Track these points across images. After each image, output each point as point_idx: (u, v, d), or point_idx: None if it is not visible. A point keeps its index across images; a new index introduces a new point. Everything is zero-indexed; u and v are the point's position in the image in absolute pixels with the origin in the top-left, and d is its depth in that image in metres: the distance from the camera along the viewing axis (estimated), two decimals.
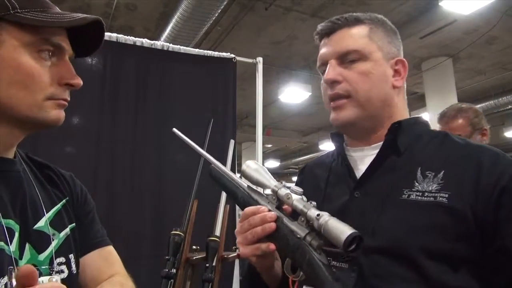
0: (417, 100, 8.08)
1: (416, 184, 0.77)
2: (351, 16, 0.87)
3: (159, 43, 2.40)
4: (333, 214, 0.72)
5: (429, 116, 6.90)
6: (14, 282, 0.51)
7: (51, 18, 0.67)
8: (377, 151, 0.84)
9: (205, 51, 2.55)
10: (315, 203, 0.70)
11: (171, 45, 2.43)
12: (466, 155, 0.77)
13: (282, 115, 9.71)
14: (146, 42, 2.34)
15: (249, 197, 0.79)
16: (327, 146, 11.92)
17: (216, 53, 2.55)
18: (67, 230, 0.78)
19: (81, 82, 0.72)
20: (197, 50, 2.55)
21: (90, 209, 0.88)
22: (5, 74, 0.64)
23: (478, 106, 8.16)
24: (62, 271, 0.73)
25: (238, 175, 0.85)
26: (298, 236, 0.70)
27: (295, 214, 0.73)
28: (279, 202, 0.75)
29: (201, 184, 1.60)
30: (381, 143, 0.84)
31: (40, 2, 0.69)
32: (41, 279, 0.65)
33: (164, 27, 5.04)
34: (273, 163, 15.83)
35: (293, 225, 0.71)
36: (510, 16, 5.29)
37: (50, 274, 0.70)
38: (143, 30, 5.75)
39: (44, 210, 0.74)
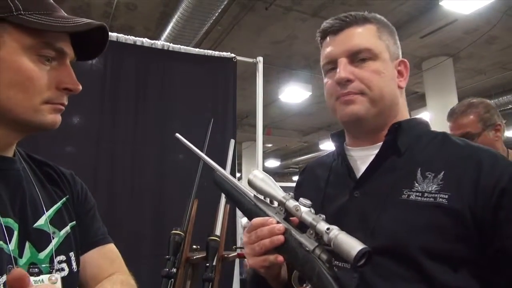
0: (417, 99, 8.09)
1: (416, 184, 0.77)
2: (358, 15, 0.86)
3: (159, 43, 2.40)
4: (333, 214, 0.73)
5: (429, 116, 6.90)
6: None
7: (55, 22, 0.66)
8: (377, 151, 0.84)
9: (205, 50, 2.55)
10: (324, 216, 0.70)
11: (171, 44, 2.43)
12: (465, 156, 0.77)
13: (282, 115, 9.71)
14: (146, 41, 2.34)
15: (256, 207, 0.78)
16: (327, 145, 11.92)
17: (216, 53, 2.56)
18: (68, 228, 0.78)
19: (80, 88, 0.72)
20: (197, 49, 2.55)
21: (90, 207, 0.88)
22: (5, 76, 0.64)
23: None
24: (62, 269, 0.73)
25: (238, 175, 0.85)
26: (307, 249, 0.69)
27: (302, 226, 0.72)
28: (286, 213, 0.74)
29: (201, 184, 1.61)
30: (381, 143, 0.84)
31: (45, 5, 0.68)
32: (41, 277, 0.66)
33: (164, 26, 5.04)
34: (274, 163, 15.84)
35: (302, 238, 0.71)
36: (510, 16, 5.29)
37: (50, 273, 0.70)
38: (143, 29, 5.75)
39: (44, 209, 0.74)
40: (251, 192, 0.81)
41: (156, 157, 2.27)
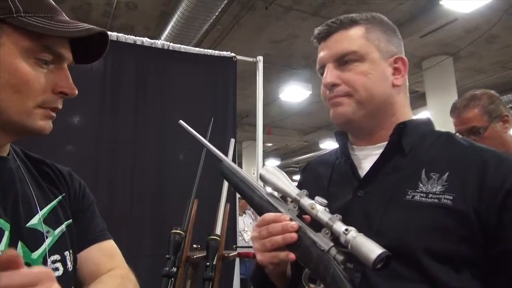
0: (417, 99, 8.08)
1: (421, 185, 0.77)
2: (346, 18, 0.87)
3: (159, 42, 2.40)
4: (336, 213, 0.72)
5: (429, 115, 6.88)
6: None
7: (55, 26, 0.66)
8: (381, 150, 0.84)
9: (206, 50, 2.55)
10: (340, 216, 0.69)
11: (171, 44, 2.43)
12: (470, 157, 0.77)
13: (282, 114, 9.71)
14: (146, 41, 2.34)
15: (267, 203, 0.77)
16: (328, 144, 11.91)
17: (216, 52, 2.55)
18: (63, 226, 0.77)
19: (76, 92, 0.71)
20: (197, 49, 2.55)
21: (89, 204, 0.87)
22: (0, 78, 0.63)
23: None
24: (57, 269, 0.72)
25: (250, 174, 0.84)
26: (322, 248, 0.68)
27: (315, 224, 0.71)
28: (300, 211, 0.73)
29: (202, 183, 1.61)
30: (385, 143, 0.84)
31: (46, 8, 0.68)
32: None
33: (164, 26, 5.04)
34: (274, 162, 15.83)
35: (316, 237, 0.70)
36: (511, 15, 5.28)
37: None
38: (143, 29, 5.75)
39: (38, 208, 0.73)
40: (261, 186, 0.80)
41: (156, 156, 2.28)
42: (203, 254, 1.49)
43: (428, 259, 0.71)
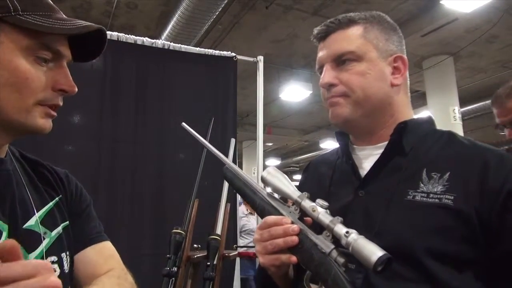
0: (418, 98, 8.07)
1: (421, 185, 0.77)
2: (344, 18, 0.87)
3: (160, 42, 2.40)
4: (337, 212, 0.72)
5: (430, 114, 6.88)
6: None
7: (53, 24, 0.66)
8: (381, 150, 0.84)
9: (206, 49, 2.55)
10: (341, 218, 0.69)
11: (171, 43, 2.43)
12: (471, 157, 0.77)
13: (282, 114, 9.71)
14: (146, 41, 2.34)
15: (269, 205, 0.77)
16: (328, 144, 11.91)
17: (216, 52, 2.56)
18: (59, 228, 0.77)
19: (76, 89, 0.71)
20: (197, 48, 2.55)
21: (86, 205, 0.87)
22: (0, 76, 0.63)
23: (479, 104, 8.24)
24: (54, 270, 0.72)
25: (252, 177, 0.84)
26: (323, 251, 0.69)
27: (316, 226, 0.72)
28: (301, 213, 0.73)
29: (202, 183, 1.61)
30: (385, 142, 0.84)
31: (44, 6, 0.68)
32: None
33: (164, 25, 5.04)
34: (274, 162, 15.83)
35: (317, 240, 0.70)
36: (511, 15, 5.28)
37: None
38: (143, 28, 5.75)
39: (35, 209, 0.73)
40: (262, 189, 0.81)
41: (156, 156, 2.28)
42: (204, 254, 1.49)
43: (429, 260, 0.71)
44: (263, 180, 0.78)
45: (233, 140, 1.64)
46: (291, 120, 10.50)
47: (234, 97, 2.53)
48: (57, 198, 0.80)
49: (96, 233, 0.87)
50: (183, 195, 1.66)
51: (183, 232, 1.42)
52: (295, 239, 0.71)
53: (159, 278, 1.36)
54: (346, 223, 0.69)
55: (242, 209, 4.67)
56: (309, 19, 5.53)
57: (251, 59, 2.70)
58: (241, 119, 9.55)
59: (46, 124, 0.69)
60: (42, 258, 0.71)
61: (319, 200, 0.72)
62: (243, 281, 2.93)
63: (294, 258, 0.72)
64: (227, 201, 1.61)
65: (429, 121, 0.89)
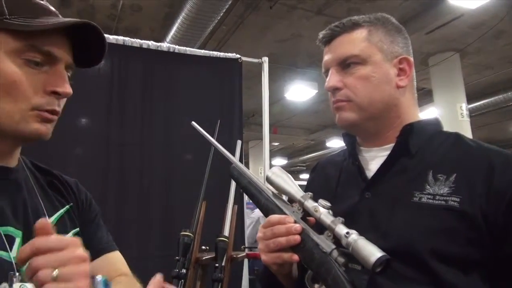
0: (424, 95, 8.03)
1: (428, 187, 0.77)
2: (348, 21, 0.88)
3: (165, 45, 2.42)
4: (343, 214, 0.73)
5: (437, 111, 6.85)
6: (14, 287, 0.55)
7: (35, 23, 0.64)
8: (388, 152, 0.84)
9: (211, 52, 2.57)
10: (342, 219, 0.70)
11: (177, 47, 2.45)
12: (477, 159, 0.77)
13: (288, 113, 9.70)
14: (152, 44, 2.36)
15: (274, 204, 0.79)
16: (334, 143, 11.88)
17: (221, 54, 2.57)
18: (70, 235, 0.78)
19: (70, 91, 0.68)
20: (203, 51, 2.57)
21: (95, 215, 0.89)
22: None
23: (487, 100, 8.17)
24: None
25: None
26: (324, 251, 0.70)
27: (319, 226, 0.73)
28: (304, 213, 0.75)
29: (210, 185, 1.62)
30: (392, 144, 0.84)
31: (31, 9, 0.67)
32: None
33: (169, 27, 5.06)
34: (280, 161, 15.83)
35: (319, 239, 0.71)
36: None
37: None
38: (148, 30, 5.78)
39: (46, 216, 0.74)
40: (268, 189, 0.82)
41: (163, 158, 2.30)
42: (212, 255, 1.50)
43: (435, 261, 0.71)
44: (268, 179, 0.80)
45: (239, 142, 1.65)
46: (297, 119, 10.48)
47: (240, 99, 2.54)
48: (67, 206, 0.81)
49: (106, 243, 0.88)
50: (191, 196, 1.67)
51: (191, 234, 1.43)
52: (297, 238, 0.72)
53: (169, 280, 1.38)
54: (352, 224, 0.70)
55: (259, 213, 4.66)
56: (313, 18, 5.52)
57: (256, 60, 2.71)
58: (247, 119, 9.56)
59: (41, 128, 0.67)
60: None
61: (321, 201, 0.73)
62: (252, 282, 2.93)
63: (296, 257, 0.73)
64: (234, 203, 1.62)
65: (436, 123, 0.89)
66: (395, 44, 0.87)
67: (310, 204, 0.73)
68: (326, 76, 0.90)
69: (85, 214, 0.86)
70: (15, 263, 0.65)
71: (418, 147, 0.83)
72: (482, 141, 0.84)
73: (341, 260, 0.68)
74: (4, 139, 0.68)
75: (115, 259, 0.88)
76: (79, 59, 0.73)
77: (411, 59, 0.89)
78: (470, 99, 7.09)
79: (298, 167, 16.83)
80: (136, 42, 2.30)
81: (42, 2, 0.70)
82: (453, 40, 6.17)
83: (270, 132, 2.77)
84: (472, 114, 7.56)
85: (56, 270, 0.50)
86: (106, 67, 2.23)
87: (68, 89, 0.68)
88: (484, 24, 5.64)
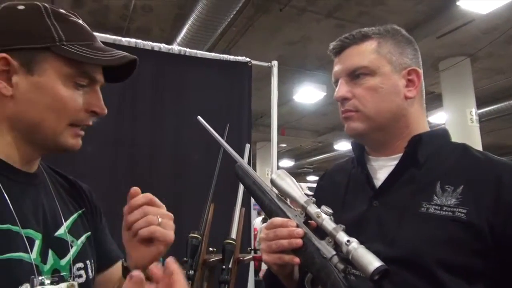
0: (434, 100, 7.98)
1: (435, 197, 0.78)
2: (358, 33, 0.89)
3: (177, 48, 2.45)
4: (352, 222, 0.76)
5: (446, 116, 6.81)
6: None
7: (93, 54, 0.72)
8: (396, 162, 0.85)
9: (221, 55, 2.58)
10: (344, 226, 0.72)
11: (188, 49, 2.47)
12: (485, 171, 0.78)
13: (296, 115, 9.70)
14: (164, 47, 2.38)
15: (277, 207, 0.81)
16: (342, 145, 11.85)
17: (231, 57, 2.58)
18: (83, 238, 0.81)
19: (106, 111, 0.77)
20: (213, 54, 2.59)
21: (104, 223, 0.93)
22: (42, 99, 0.70)
23: (497, 106, 8.09)
24: (80, 276, 0.77)
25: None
26: (325, 256, 0.72)
27: (320, 230, 0.75)
28: (306, 217, 0.77)
29: (218, 187, 1.64)
30: (400, 154, 0.86)
31: (85, 36, 0.74)
32: (60, 286, 0.68)
33: (180, 28, 5.10)
34: (288, 163, 15.82)
35: (320, 245, 0.73)
36: None
37: (70, 278, 0.73)
38: (159, 31, 5.83)
39: (63, 219, 0.78)
40: (272, 191, 0.84)
41: (173, 160, 2.32)
42: (219, 257, 1.52)
43: (441, 271, 0.72)
44: (272, 182, 0.82)
45: (247, 146, 1.67)
46: (305, 121, 10.48)
47: (249, 102, 2.55)
48: (80, 211, 0.85)
49: (115, 251, 0.91)
50: (199, 198, 1.69)
51: (199, 236, 1.45)
52: (299, 241, 0.74)
53: None
54: (360, 232, 0.71)
55: None
56: (323, 21, 5.53)
57: (265, 64, 2.72)
58: (255, 120, 9.57)
59: (76, 143, 0.76)
60: (70, 264, 0.75)
61: (323, 207, 0.75)
62: (258, 283, 2.95)
63: (297, 259, 0.75)
64: (241, 206, 1.64)
65: (444, 134, 0.91)
66: (404, 55, 0.89)
67: (312, 209, 0.75)
68: (336, 85, 0.91)
69: (96, 219, 0.90)
70: (35, 265, 0.68)
71: (426, 157, 0.84)
72: (491, 147, 0.85)
73: (341, 266, 0.70)
74: (36, 148, 0.74)
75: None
76: (106, 76, 0.79)
77: (420, 70, 0.90)
78: (480, 104, 7.03)
79: (305, 169, 16.81)
80: (148, 44, 2.33)
81: (86, 26, 0.77)
82: (464, 45, 6.13)
83: (278, 134, 2.79)
84: (482, 119, 7.50)
85: (160, 218, 0.70)
86: None
87: (105, 110, 0.76)
88: (496, 29, 5.60)
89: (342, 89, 0.88)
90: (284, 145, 13.40)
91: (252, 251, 2.12)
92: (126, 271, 0.77)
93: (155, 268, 0.56)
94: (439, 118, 8.02)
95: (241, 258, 1.61)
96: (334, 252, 0.72)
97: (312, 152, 14.62)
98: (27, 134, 0.71)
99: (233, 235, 1.56)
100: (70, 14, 0.75)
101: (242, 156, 1.70)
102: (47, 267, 0.71)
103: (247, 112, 2.53)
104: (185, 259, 1.41)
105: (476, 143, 6.29)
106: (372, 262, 0.65)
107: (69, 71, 0.71)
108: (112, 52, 0.75)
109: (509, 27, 5.43)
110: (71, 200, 0.85)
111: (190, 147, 2.31)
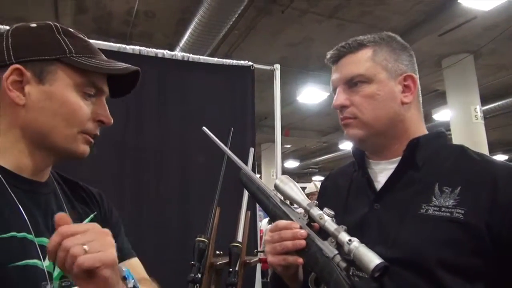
0: (437, 97, 7.96)
1: (434, 199, 0.80)
2: (354, 42, 0.92)
3: (180, 54, 2.48)
4: (354, 225, 0.78)
5: (451, 114, 6.79)
6: None
7: (100, 64, 0.77)
8: (395, 165, 0.88)
9: (224, 60, 2.61)
10: (345, 227, 0.75)
11: (191, 55, 2.50)
12: (482, 172, 0.80)
13: (300, 116, 9.70)
14: (167, 53, 2.42)
15: (281, 211, 0.84)
16: (347, 145, 11.83)
17: (234, 62, 2.61)
18: None
19: (112, 121, 0.81)
20: (216, 59, 2.61)
21: (116, 222, 0.95)
22: (52, 107, 0.74)
23: (502, 102, 8.05)
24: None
25: (257, 176, 0.90)
26: (327, 255, 0.75)
27: (322, 232, 0.77)
28: (309, 220, 0.79)
29: (223, 191, 1.66)
30: (399, 157, 0.88)
31: (90, 50, 0.80)
32: None
33: (182, 33, 5.13)
34: (293, 163, 15.81)
35: (322, 245, 0.76)
36: None
37: None
38: (162, 36, 5.86)
39: None
40: (276, 195, 0.87)
41: (179, 165, 2.34)
42: (226, 260, 1.54)
43: (441, 271, 0.74)
44: (276, 187, 0.85)
45: (251, 150, 1.69)
46: (309, 121, 10.48)
47: (252, 106, 2.57)
48: (92, 215, 0.88)
49: (126, 250, 0.94)
50: (205, 201, 1.71)
51: (206, 240, 1.47)
52: (302, 242, 0.77)
53: (184, 284, 1.42)
54: (362, 234, 0.74)
55: None
56: (324, 22, 5.54)
57: (268, 67, 2.74)
58: (259, 122, 9.59)
59: (86, 150, 0.80)
60: None
61: (326, 209, 0.77)
62: (265, 285, 2.97)
63: (300, 260, 0.78)
64: (247, 209, 1.66)
65: (441, 136, 0.92)
66: (399, 62, 0.91)
67: (315, 211, 0.78)
68: (335, 93, 0.94)
69: (107, 222, 0.92)
70: (47, 272, 0.71)
71: (425, 160, 0.86)
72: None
73: (343, 264, 0.73)
74: (47, 155, 0.78)
75: (135, 265, 0.94)
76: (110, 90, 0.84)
77: (416, 76, 0.92)
78: (484, 100, 7.01)
79: (310, 169, 16.79)
80: (151, 51, 2.36)
81: (91, 42, 0.82)
82: (467, 42, 6.12)
83: (282, 134, 2.80)
84: (487, 116, 7.47)
85: (85, 245, 0.58)
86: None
87: (111, 120, 0.81)
88: (498, 26, 5.59)
89: (340, 97, 0.91)
90: (288, 146, 13.41)
91: (259, 254, 2.14)
92: None
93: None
94: (444, 115, 8.00)
95: (248, 261, 1.63)
96: (336, 252, 0.74)
97: (317, 152, 14.61)
98: (38, 141, 0.75)
99: (239, 238, 1.58)
100: (77, 32, 0.81)
101: (246, 160, 1.73)
102: (55, 273, 0.73)
103: (250, 116, 2.55)
104: (192, 262, 1.44)
105: (481, 140, 6.27)
106: (373, 259, 0.68)
107: (78, 80, 0.76)
108: (116, 63, 0.80)
109: (511, 23, 5.42)
110: (82, 205, 0.88)
111: (195, 151, 2.34)
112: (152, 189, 2.26)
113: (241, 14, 4.88)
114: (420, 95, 0.95)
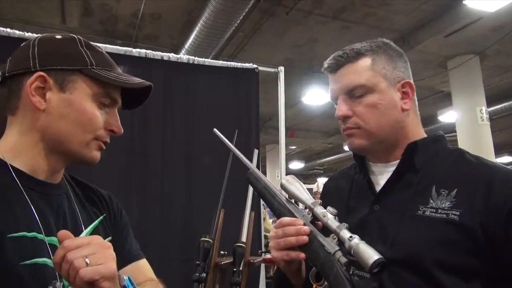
0: (443, 98, 7.93)
1: (431, 201, 0.83)
2: (351, 51, 0.92)
3: (185, 57, 2.51)
4: (355, 225, 0.80)
5: (456, 115, 6.77)
6: None
7: (117, 78, 0.83)
8: (394, 168, 0.90)
9: (229, 62, 2.64)
10: (347, 225, 0.78)
11: (196, 58, 2.53)
12: (478, 175, 0.82)
13: (305, 117, 9.71)
14: (172, 56, 2.45)
15: (286, 209, 0.87)
16: None
17: (239, 64, 2.63)
18: None
19: (122, 131, 0.86)
20: (220, 62, 2.64)
21: (125, 224, 0.98)
22: (71, 114, 0.79)
23: (508, 103, 8.00)
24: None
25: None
26: (329, 251, 0.78)
27: (325, 230, 0.80)
28: (313, 217, 0.82)
29: (228, 192, 1.69)
30: (398, 161, 0.90)
31: (108, 63, 0.85)
32: None
33: (188, 35, 5.17)
34: (298, 165, 15.81)
35: (324, 241, 0.79)
36: None
37: None
38: (167, 38, 5.90)
39: (83, 226, 0.84)
40: (281, 194, 0.90)
41: (184, 165, 2.37)
42: (230, 260, 1.56)
43: (438, 270, 0.77)
44: (282, 186, 0.89)
45: (256, 151, 1.71)
46: (314, 123, 10.48)
47: (257, 107, 2.59)
48: (101, 217, 0.91)
49: (135, 251, 0.97)
50: (210, 202, 1.74)
51: (210, 240, 1.50)
52: (305, 238, 0.80)
53: (189, 283, 1.45)
54: (363, 235, 0.76)
55: None
56: (329, 23, 5.55)
57: (272, 69, 2.76)
58: (264, 123, 9.62)
59: (97, 155, 0.84)
60: None
61: (329, 208, 0.80)
62: (268, 286, 2.99)
63: (302, 255, 0.81)
64: (251, 210, 1.69)
65: (439, 139, 0.94)
66: (397, 69, 0.92)
67: (319, 210, 0.81)
68: (335, 103, 0.96)
69: (117, 223, 0.96)
70: None
71: (423, 163, 0.88)
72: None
73: (343, 260, 0.76)
74: (61, 158, 0.82)
75: (143, 266, 0.97)
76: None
77: (412, 82, 0.94)
78: (490, 101, 6.97)
79: (315, 170, 16.78)
80: (157, 54, 2.39)
81: (109, 57, 0.88)
82: (473, 43, 6.09)
83: (287, 136, 2.82)
84: (492, 117, 7.42)
85: (87, 258, 0.62)
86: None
87: (122, 130, 0.85)
88: (504, 27, 5.56)
89: (342, 108, 0.91)
90: (293, 147, 13.41)
91: (263, 254, 2.16)
92: None
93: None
94: (449, 117, 7.97)
95: (252, 261, 1.65)
96: (337, 248, 0.77)
97: (322, 153, 14.60)
98: (54, 145, 0.79)
99: (243, 238, 1.61)
100: (98, 46, 0.87)
101: (250, 161, 1.75)
102: None
103: (255, 118, 2.58)
104: (197, 262, 1.46)
105: (487, 141, 6.25)
106: (372, 255, 0.71)
107: (96, 91, 0.81)
108: (131, 78, 0.86)
109: None
110: (93, 207, 0.91)
111: (201, 153, 2.37)
112: (158, 190, 2.29)
113: (246, 16, 4.91)
114: (416, 100, 0.97)
